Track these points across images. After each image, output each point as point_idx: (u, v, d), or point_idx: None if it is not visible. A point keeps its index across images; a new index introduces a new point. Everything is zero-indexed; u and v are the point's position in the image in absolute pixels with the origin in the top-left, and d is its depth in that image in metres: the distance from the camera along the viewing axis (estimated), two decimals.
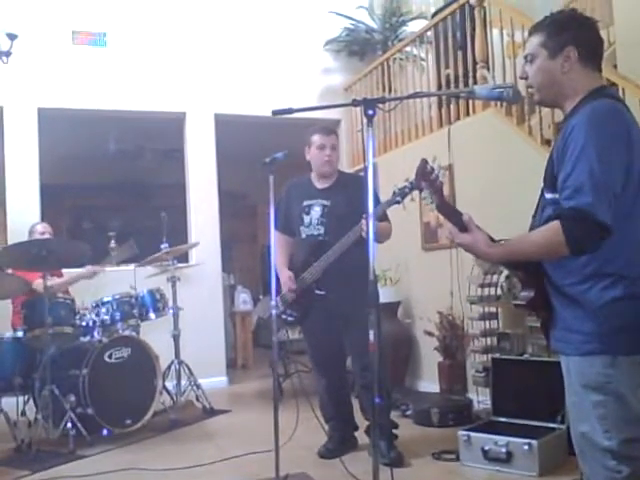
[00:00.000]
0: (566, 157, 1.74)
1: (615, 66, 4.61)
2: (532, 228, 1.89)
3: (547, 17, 1.94)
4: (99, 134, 7.62)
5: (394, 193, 3.21)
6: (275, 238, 3.47)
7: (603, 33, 5.11)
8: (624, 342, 1.73)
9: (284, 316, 3.68)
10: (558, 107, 1.95)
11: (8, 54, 5.17)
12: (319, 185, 3.75)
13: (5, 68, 5.34)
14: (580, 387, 1.80)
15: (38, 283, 4.22)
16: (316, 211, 3.68)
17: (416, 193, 2.94)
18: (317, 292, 3.57)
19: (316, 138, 3.70)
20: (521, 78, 2.00)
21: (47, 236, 4.78)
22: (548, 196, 1.83)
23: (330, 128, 3.92)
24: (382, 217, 3.46)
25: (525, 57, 1.95)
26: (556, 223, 1.70)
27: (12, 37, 5.09)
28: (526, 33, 2.01)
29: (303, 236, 3.72)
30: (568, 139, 1.76)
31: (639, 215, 1.76)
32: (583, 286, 1.77)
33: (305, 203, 3.72)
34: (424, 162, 1.95)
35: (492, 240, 1.85)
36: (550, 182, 1.82)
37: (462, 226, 1.85)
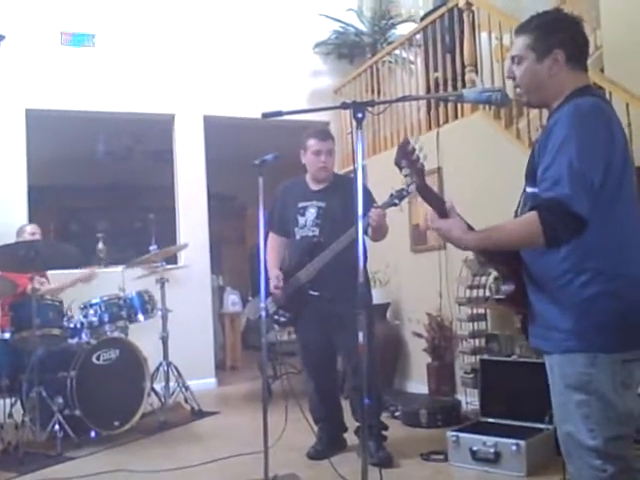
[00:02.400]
0: (547, 150, 1.76)
1: (602, 70, 4.65)
2: None
3: (533, 18, 1.95)
4: (87, 135, 7.59)
5: (391, 195, 3.21)
6: (269, 239, 3.47)
7: (590, 37, 5.17)
8: (603, 340, 1.74)
9: (277, 316, 3.68)
10: (545, 107, 1.97)
11: None
12: (314, 187, 3.75)
13: None
14: (563, 387, 1.81)
15: (30, 289, 4.18)
16: (311, 213, 3.68)
17: (413, 195, 2.94)
18: (311, 293, 3.57)
19: (312, 143, 3.69)
20: (508, 77, 2.01)
21: (37, 237, 4.76)
22: (529, 190, 1.85)
23: (326, 132, 3.92)
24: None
25: (512, 58, 1.96)
26: (533, 213, 1.71)
27: (0, 38, 5.06)
28: (514, 37, 2.03)
29: (297, 237, 3.72)
30: (549, 134, 1.78)
31: (618, 211, 1.77)
32: (561, 281, 1.78)
33: (300, 204, 3.72)
34: (406, 141, 1.95)
35: (471, 229, 1.85)
36: (531, 176, 1.85)
37: (443, 213, 1.86)
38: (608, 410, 1.75)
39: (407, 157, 1.92)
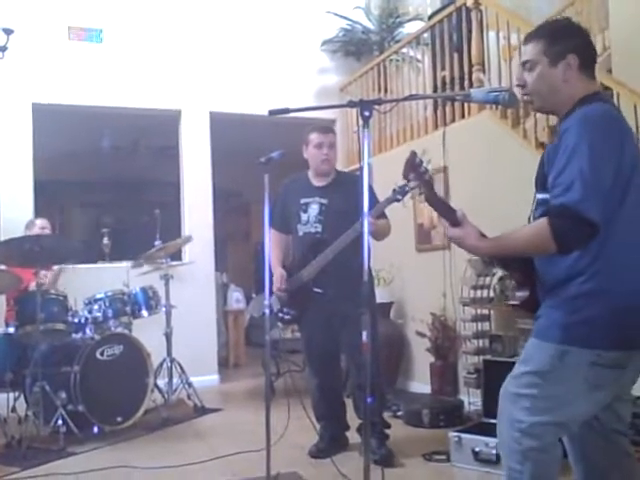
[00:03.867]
0: (557, 157, 1.78)
1: (610, 71, 4.63)
2: None
3: (544, 25, 1.97)
4: (94, 130, 7.60)
5: (394, 191, 3.21)
6: (271, 236, 3.47)
7: (598, 37, 5.16)
8: (581, 334, 1.78)
9: (281, 314, 3.68)
10: (556, 113, 1.97)
11: (4, 49, 5.14)
12: (317, 183, 3.75)
13: (0, 63, 5.32)
14: (523, 364, 1.89)
15: (35, 283, 4.18)
16: (314, 209, 3.68)
17: (415, 191, 2.94)
18: (315, 290, 3.56)
19: (314, 136, 3.70)
20: (518, 85, 2.02)
21: (46, 232, 4.78)
22: (539, 197, 1.88)
23: (328, 126, 3.92)
24: (380, 215, 3.47)
25: (523, 64, 1.96)
26: (544, 219, 1.74)
27: (8, 32, 5.06)
28: (522, 36, 2.03)
29: (300, 234, 3.72)
30: (561, 140, 1.80)
31: (624, 215, 1.79)
32: (567, 283, 1.82)
33: (303, 201, 3.72)
34: (413, 154, 2.00)
35: (483, 236, 1.90)
36: (541, 183, 1.87)
37: (455, 221, 1.90)
38: (554, 400, 1.81)
39: (415, 169, 1.97)
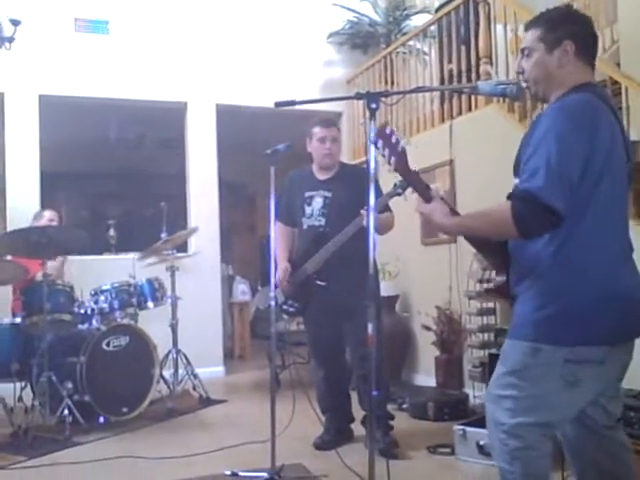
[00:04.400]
0: (530, 143, 1.79)
1: (618, 64, 4.60)
2: None
3: (544, 13, 1.97)
4: (100, 122, 7.61)
5: (395, 185, 3.21)
6: (276, 229, 3.47)
7: (607, 31, 5.12)
8: (550, 331, 1.77)
9: (285, 307, 3.69)
10: (546, 101, 1.97)
11: (11, 40, 5.16)
12: (321, 176, 3.75)
13: (7, 54, 5.33)
14: (501, 364, 1.89)
15: (41, 274, 4.18)
16: (317, 202, 3.68)
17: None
18: (318, 283, 3.57)
19: (317, 130, 3.70)
20: (517, 72, 2.02)
21: (54, 224, 4.79)
22: (515, 181, 1.89)
23: (331, 120, 3.92)
24: (384, 208, 3.47)
25: (522, 51, 1.98)
26: (507, 203, 1.74)
27: (15, 23, 5.07)
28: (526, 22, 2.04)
29: (304, 227, 3.73)
30: (534, 127, 1.82)
31: (595, 206, 1.78)
32: (536, 272, 1.81)
33: (307, 194, 3.72)
34: (384, 124, 2.03)
35: (456, 214, 1.91)
36: (516, 168, 1.90)
37: (427, 197, 1.92)
38: (534, 400, 1.81)
39: (385, 139, 1.98)
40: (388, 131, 1.98)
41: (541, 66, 1.91)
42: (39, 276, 4.23)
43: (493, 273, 4.36)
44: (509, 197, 1.77)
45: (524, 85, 2.00)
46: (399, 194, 3.23)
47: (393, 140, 1.97)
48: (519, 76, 2.01)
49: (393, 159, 1.96)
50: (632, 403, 3.03)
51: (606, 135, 1.80)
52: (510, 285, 1.93)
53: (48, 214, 4.88)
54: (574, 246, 1.77)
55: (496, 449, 1.88)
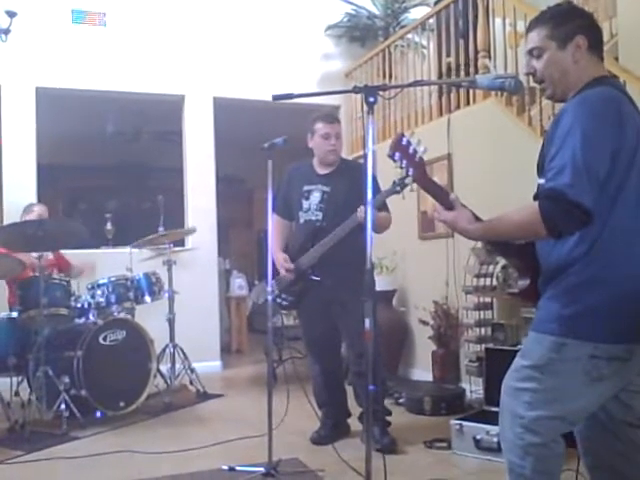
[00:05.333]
0: (553, 141, 1.75)
1: (617, 58, 4.59)
2: None
3: (546, 11, 1.93)
4: (97, 115, 7.58)
5: (394, 183, 3.20)
6: (273, 221, 3.47)
7: (606, 25, 5.10)
8: (579, 326, 1.75)
9: (279, 300, 3.68)
10: (564, 101, 1.93)
11: (7, 32, 5.11)
12: (320, 171, 3.73)
13: (4, 46, 5.29)
14: (522, 357, 1.87)
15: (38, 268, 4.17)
16: (315, 197, 3.67)
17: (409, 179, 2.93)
18: (312, 278, 3.56)
19: (320, 126, 3.66)
20: (527, 74, 1.98)
21: (45, 217, 4.76)
22: (540, 181, 1.85)
23: (333, 115, 3.90)
24: (381, 207, 3.45)
25: (530, 52, 1.93)
26: (534, 203, 1.72)
27: (11, 14, 5.02)
28: (527, 24, 2.00)
29: (301, 221, 3.71)
30: (557, 124, 1.77)
31: (625, 200, 1.75)
32: (567, 272, 1.78)
33: (305, 188, 3.71)
34: (400, 135, 1.96)
35: (477, 219, 1.86)
36: (541, 168, 1.84)
37: (447, 204, 1.88)
38: (554, 393, 1.79)
39: (402, 151, 1.93)
40: (404, 142, 1.93)
41: (556, 64, 1.88)
42: (36, 268, 4.20)
43: (490, 267, 4.38)
44: (535, 197, 1.74)
45: (539, 86, 1.96)
46: (397, 192, 3.22)
47: (410, 151, 1.92)
48: (531, 78, 1.97)
49: (411, 170, 1.92)
50: None
51: (631, 127, 1.77)
52: (538, 287, 1.90)
53: (37, 208, 4.86)
54: (604, 243, 1.74)
55: (508, 442, 1.86)
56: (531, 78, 1.99)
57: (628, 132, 1.75)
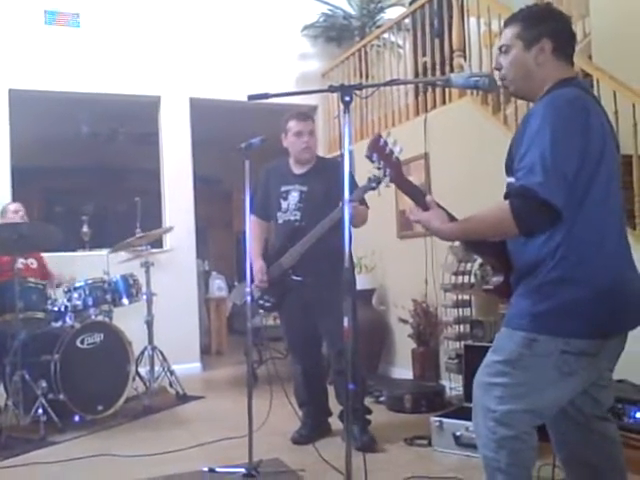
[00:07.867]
0: (522, 141, 1.78)
1: (590, 57, 4.65)
2: None
3: (522, 10, 1.97)
4: (72, 116, 7.50)
5: (369, 179, 3.21)
6: (251, 222, 3.46)
7: (579, 24, 5.18)
8: (549, 322, 1.77)
9: (261, 301, 3.68)
10: (530, 99, 1.97)
11: None
12: (297, 170, 3.73)
13: None
14: (493, 352, 1.89)
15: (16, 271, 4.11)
16: (293, 197, 3.67)
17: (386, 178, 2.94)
18: (294, 278, 3.56)
19: (293, 124, 3.67)
20: (495, 69, 2.03)
21: (21, 214, 4.73)
22: (508, 180, 1.88)
23: (306, 113, 3.90)
24: (360, 202, 3.47)
25: (500, 48, 1.97)
26: (505, 202, 1.74)
27: None
28: (502, 22, 2.04)
29: (280, 221, 3.71)
30: (525, 125, 1.81)
31: (592, 200, 1.78)
32: (537, 269, 1.81)
33: (283, 189, 3.70)
34: (378, 135, 1.99)
35: (452, 219, 1.88)
36: (509, 167, 1.88)
37: (423, 204, 1.90)
38: (525, 387, 1.81)
39: (379, 151, 1.95)
40: (381, 142, 1.95)
41: (518, 63, 1.92)
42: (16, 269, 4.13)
43: (468, 265, 4.41)
44: (506, 196, 1.76)
45: (504, 82, 2.00)
46: (373, 188, 3.23)
47: (387, 151, 1.95)
48: (497, 72, 2.01)
49: (389, 171, 1.95)
50: (621, 394, 3.03)
51: (598, 127, 1.80)
52: (511, 284, 1.92)
53: (13, 206, 4.80)
54: (574, 241, 1.77)
55: (482, 437, 1.88)
56: (499, 73, 2.02)
57: (595, 132, 1.78)
